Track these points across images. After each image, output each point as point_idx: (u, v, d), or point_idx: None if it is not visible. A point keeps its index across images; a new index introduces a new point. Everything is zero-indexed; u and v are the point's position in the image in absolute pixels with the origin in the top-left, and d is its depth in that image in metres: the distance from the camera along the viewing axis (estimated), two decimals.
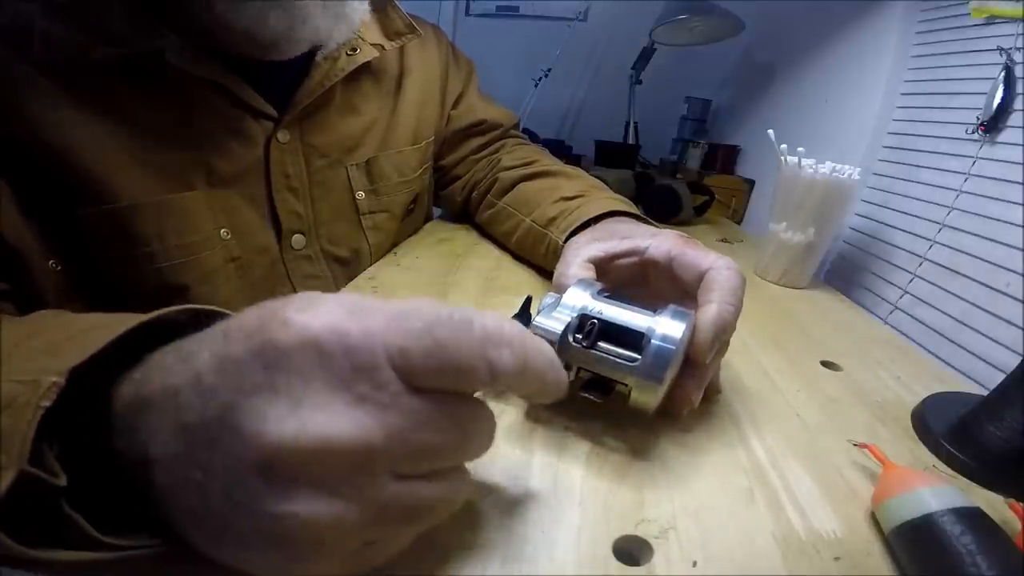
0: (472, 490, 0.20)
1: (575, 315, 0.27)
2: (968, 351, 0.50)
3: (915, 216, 0.61)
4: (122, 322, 0.19)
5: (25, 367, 0.17)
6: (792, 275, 0.58)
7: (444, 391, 0.17)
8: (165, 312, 0.20)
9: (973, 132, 0.55)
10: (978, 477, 0.29)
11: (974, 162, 0.55)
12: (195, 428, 0.15)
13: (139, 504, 0.17)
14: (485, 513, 0.23)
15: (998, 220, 0.51)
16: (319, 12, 0.38)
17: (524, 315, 0.34)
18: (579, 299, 0.28)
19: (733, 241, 0.77)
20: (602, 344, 0.27)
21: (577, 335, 0.27)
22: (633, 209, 0.45)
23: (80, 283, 0.38)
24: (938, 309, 0.55)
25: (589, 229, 0.41)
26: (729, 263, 0.30)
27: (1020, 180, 0.49)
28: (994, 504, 0.27)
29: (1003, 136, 0.53)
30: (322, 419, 0.15)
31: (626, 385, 0.26)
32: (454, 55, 0.64)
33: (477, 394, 0.19)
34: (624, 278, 0.35)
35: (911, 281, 0.60)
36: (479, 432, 0.18)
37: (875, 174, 0.71)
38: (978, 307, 0.50)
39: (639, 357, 0.25)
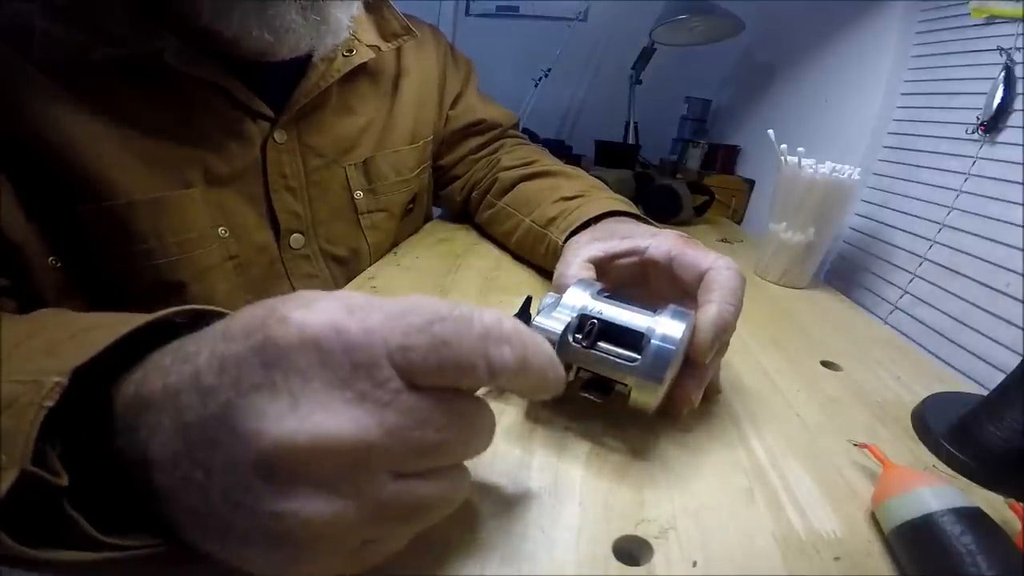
0: (471, 488, 0.20)
1: (575, 315, 0.27)
2: (968, 351, 0.50)
3: (915, 216, 0.61)
4: (124, 322, 0.19)
5: (26, 367, 0.17)
6: (792, 275, 0.58)
7: (444, 388, 0.17)
8: (167, 313, 0.20)
9: (973, 132, 0.55)
10: (978, 477, 0.29)
11: (974, 162, 0.55)
12: (195, 427, 0.15)
13: (139, 504, 0.17)
14: (485, 512, 0.23)
15: (998, 220, 0.51)
16: (300, 22, 0.38)
17: (524, 315, 0.34)
18: (579, 299, 0.28)
19: (733, 241, 0.77)
20: (602, 344, 0.27)
21: (577, 335, 0.27)
22: (633, 209, 0.45)
23: (79, 280, 0.38)
24: (938, 309, 0.55)
25: (589, 229, 0.41)
26: (729, 263, 0.30)
27: (1020, 180, 0.49)
28: (994, 504, 0.27)
29: (1003, 136, 0.53)
30: (321, 418, 0.15)
31: (626, 385, 0.26)
32: (452, 55, 0.64)
33: (479, 392, 0.19)
34: (624, 278, 0.35)
35: (911, 281, 0.60)
36: (479, 430, 0.18)
37: (875, 174, 0.71)
38: (978, 307, 0.50)
39: (639, 357, 0.25)
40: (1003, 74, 0.52)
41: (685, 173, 1.14)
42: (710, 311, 0.28)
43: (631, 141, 1.20)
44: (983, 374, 0.47)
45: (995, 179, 0.52)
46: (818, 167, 0.55)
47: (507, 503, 0.23)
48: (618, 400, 0.27)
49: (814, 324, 0.48)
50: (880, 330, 0.50)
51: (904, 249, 0.62)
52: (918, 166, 0.63)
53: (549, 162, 0.59)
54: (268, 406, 0.15)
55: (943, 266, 0.56)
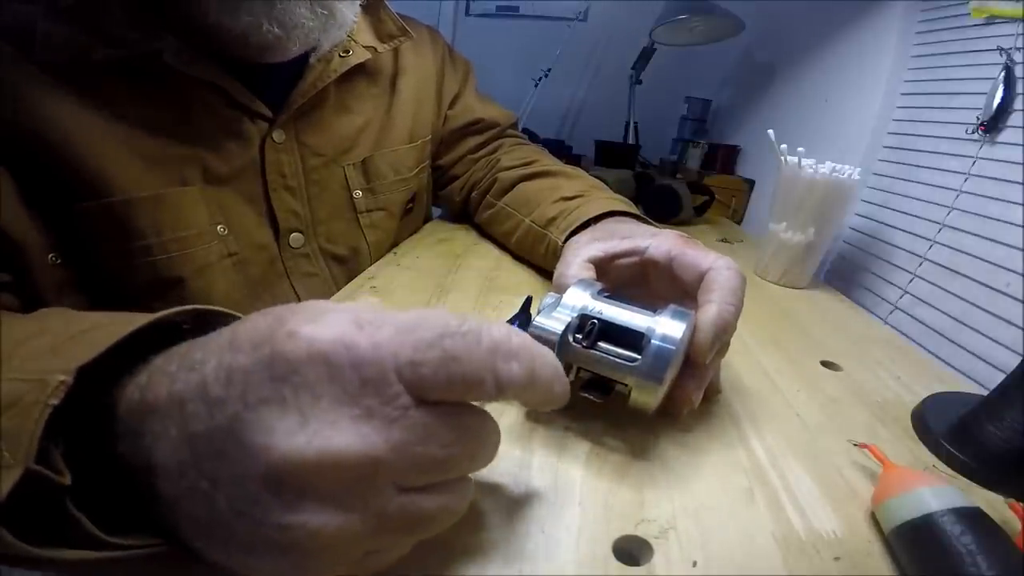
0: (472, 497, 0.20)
1: (575, 315, 0.27)
2: (968, 351, 0.50)
3: (915, 216, 0.61)
4: (127, 321, 0.19)
5: (31, 365, 0.17)
6: (792, 275, 0.58)
7: (451, 402, 0.17)
8: (169, 313, 0.20)
9: (973, 132, 0.55)
10: (978, 477, 0.29)
11: (974, 162, 0.55)
12: (202, 438, 0.15)
13: (141, 505, 0.17)
14: (486, 513, 0.23)
15: (998, 220, 0.51)
16: (309, 16, 0.39)
17: (524, 315, 0.34)
18: (579, 299, 0.28)
19: (733, 241, 0.77)
20: (602, 344, 0.27)
21: (577, 335, 0.27)
22: (633, 209, 0.45)
23: (79, 277, 0.38)
24: (938, 309, 0.55)
25: (589, 229, 0.41)
26: (729, 263, 0.30)
27: (1020, 180, 0.49)
28: (994, 504, 0.27)
29: (1003, 136, 0.53)
30: (329, 434, 0.15)
31: (626, 385, 0.26)
32: (450, 56, 0.64)
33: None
34: (624, 278, 0.35)
35: (911, 281, 0.60)
36: (484, 444, 0.18)
37: (875, 174, 0.70)
38: (978, 307, 0.50)
39: (639, 357, 0.25)
40: (1003, 74, 0.52)
41: (685, 173, 1.14)
42: (710, 311, 0.27)
43: (631, 141, 1.20)
44: (983, 374, 0.47)
45: (995, 179, 0.52)
46: (818, 167, 0.55)
47: (507, 503, 0.23)
48: (618, 400, 0.27)
49: (814, 324, 0.48)
50: (880, 330, 0.50)
51: (904, 249, 0.62)
52: (918, 166, 0.63)
53: (549, 162, 0.59)
54: (277, 421, 0.15)
55: (943, 266, 0.56)
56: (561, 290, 0.30)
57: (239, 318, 0.21)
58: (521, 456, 0.26)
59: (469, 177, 0.64)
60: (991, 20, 0.57)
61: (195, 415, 0.15)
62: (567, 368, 0.28)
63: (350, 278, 0.49)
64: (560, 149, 1.28)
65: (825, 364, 0.40)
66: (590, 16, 1.37)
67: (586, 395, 0.28)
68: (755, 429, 0.31)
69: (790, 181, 0.56)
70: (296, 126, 0.46)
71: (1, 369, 0.18)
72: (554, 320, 0.27)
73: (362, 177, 0.52)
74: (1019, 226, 0.48)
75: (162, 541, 0.17)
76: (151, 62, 0.36)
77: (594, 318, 0.27)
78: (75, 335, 0.20)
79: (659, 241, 0.33)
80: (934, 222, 0.58)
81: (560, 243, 0.43)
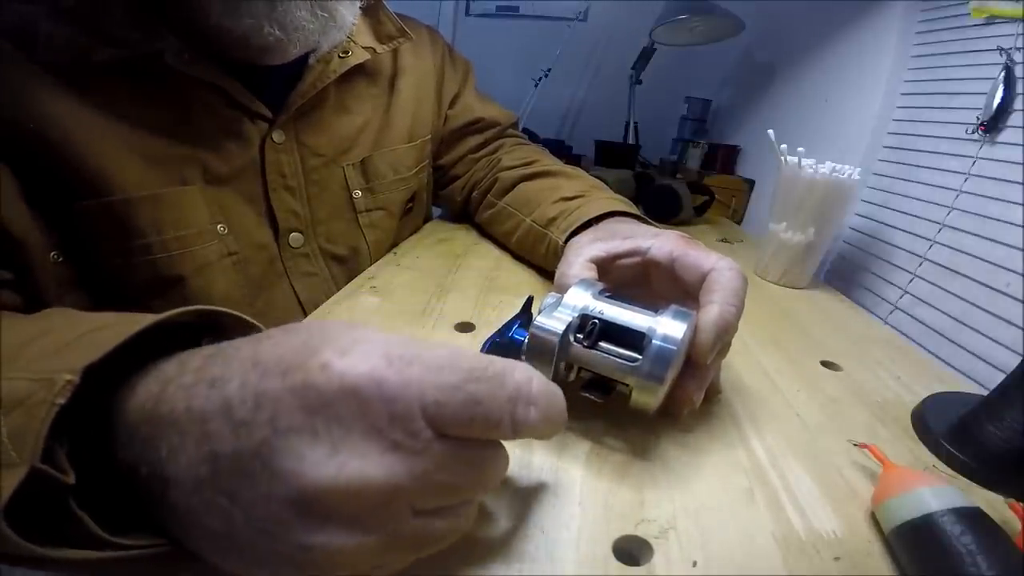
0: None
1: (576, 315, 0.27)
2: (968, 351, 0.50)
3: (915, 216, 0.61)
4: (133, 322, 0.19)
5: (37, 365, 0.18)
6: (792, 275, 0.58)
7: (469, 439, 0.18)
8: (173, 314, 0.20)
9: (973, 132, 0.55)
10: (978, 477, 0.29)
11: (974, 162, 0.55)
12: (226, 458, 0.16)
13: (144, 508, 0.17)
14: (485, 513, 0.23)
15: (998, 220, 0.51)
16: (310, 19, 0.39)
17: (526, 315, 0.34)
18: (580, 299, 0.28)
19: (733, 241, 0.77)
20: (603, 344, 0.27)
21: (578, 335, 0.27)
22: (633, 209, 0.45)
23: (79, 275, 0.38)
24: (938, 309, 0.55)
25: (591, 229, 0.41)
26: (731, 264, 0.30)
27: (1020, 180, 0.49)
28: (994, 504, 0.27)
29: (1003, 136, 0.53)
30: (358, 464, 0.15)
31: (627, 385, 0.26)
32: (450, 56, 0.64)
33: None
34: (625, 278, 0.35)
35: (911, 281, 0.60)
36: (495, 472, 0.19)
37: (875, 174, 0.71)
38: (978, 307, 0.50)
39: (640, 357, 0.25)
40: (1003, 74, 0.52)
41: (685, 173, 1.14)
42: (712, 312, 0.27)
43: (631, 141, 1.20)
44: (983, 374, 0.47)
45: (995, 179, 0.52)
46: (818, 167, 0.55)
47: (508, 503, 0.23)
48: (618, 400, 0.27)
49: (814, 324, 0.48)
50: (880, 330, 0.50)
51: (904, 249, 0.62)
52: (918, 166, 0.63)
53: (549, 162, 0.59)
54: (308, 450, 0.15)
55: (943, 266, 0.56)
56: (563, 290, 0.30)
57: (246, 320, 0.22)
58: (521, 456, 0.26)
59: (470, 177, 0.64)
60: (991, 20, 0.57)
61: (219, 434, 0.16)
62: (568, 368, 0.28)
63: (350, 278, 0.49)
64: (560, 149, 1.28)
65: (825, 364, 0.40)
66: (590, 16, 1.37)
67: (587, 395, 0.28)
68: (755, 429, 0.31)
69: (790, 181, 0.56)
70: (296, 126, 0.46)
71: (5, 369, 0.18)
72: (555, 320, 0.27)
73: (361, 177, 0.53)
74: (1019, 226, 0.48)
75: (164, 542, 0.17)
76: (152, 62, 0.36)
77: (595, 318, 0.27)
78: (81, 335, 0.20)
79: (661, 241, 0.33)
80: (934, 222, 0.58)
81: (561, 243, 0.43)
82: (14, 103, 0.34)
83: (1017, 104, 0.52)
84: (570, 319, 0.27)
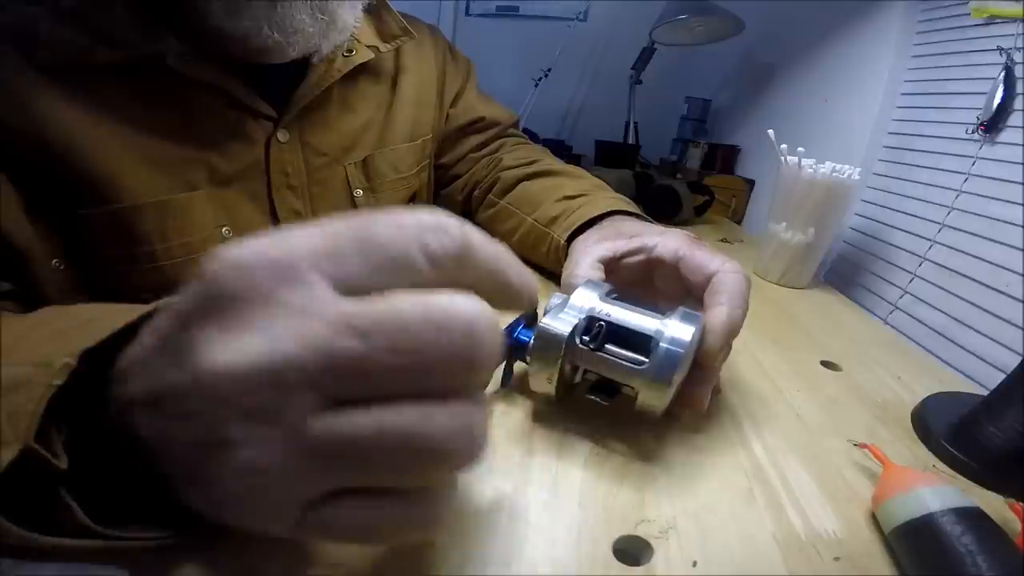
0: (463, 498, 0.19)
1: (582, 317, 0.27)
2: (968, 351, 0.50)
3: (915, 216, 0.61)
4: (130, 311, 0.19)
5: (35, 353, 0.18)
6: (792, 275, 0.58)
7: (388, 298, 0.14)
8: (168, 301, 0.20)
9: (973, 132, 0.55)
10: (978, 477, 0.29)
11: (974, 162, 0.55)
12: (157, 375, 0.16)
13: (135, 483, 0.17)
14: (485, 513, 0.23)
15: (998, 220, 0.51)
16: (310, 22, 0.39)
17: (530, 315, 0.34)
18: (587, 300, 0.28)
19: (733, 241, 0.77)
20: (609, 347, 0.27)
21: (584, 337, 0.27)
22: (635, 209, 0.45)
23: (83, 282, 0.38)
24: (938, 309, 0.55)
25: (595, 228, 0.41)
26: (736, 267, 0.30)
27: (1020, 180, 0.49)
28: (994, 504, 0.27)
29: (1003, 136, 0.53)
30: (247, 341, 0.14)
31: (632, 388, 0.26)
32: (452, 54, 0.64)
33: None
34: (629, 276, 0.35)
35: (911, 281, 0.60)
36: (438, 358, 0.14)
37: (875, 174, 0.71)
38: (978, 307, 0.50)
39: (646, 360, 0.25)
40: (1003, 74, 0.52)
41: (685, 173, 1.14)
42: (721, 314, 0.27)
43: (631, 141, 1.20)
44: (983, 374, 0.47)
45: (995, 179, 0.52)
46: (818, 167, 0.55)
47: (507, 504, 0.23)
48: (619, 401, 0.27)
49: (814, 324, 0.48)
50: (880, 330, 0.50)
51: (904, 249, 0.62)
52: (918, 166, 0.63)
53: (551, 162, 0.59)
54: (206, 342, 0.14)
55: (943, 266, 0.56)
56: (570, 290, 0.30)
57: None
58: (521, 456, 0.26)
59: (471, 176, 0.64)
60: (991, 20, 0.57)
61: (154, 357, 0.16)
62: (573, 370, 0.28)
63: None
64: (560, 149, 1.28)
65: (825, 364, 0.40)
66: (590, 16, 1.37)
67: (592, 397, 0.28)
68: (755, 429, 0.31)
69: (790, 181, 0.56)
70: (300, 125, 0.46)
71: (5, 357, 0.18)
72: (561, 321, 0.27)
73: (363, 176, 0.52)
74: (1019, 226, 0.48)
75: (152, 535, 0.17)
76: (153, 64, 0.36)
77: (602, 320, 0.27)
78: (80, 323, 0.20)
79: (667, 240, 0.33)
80: (934, 222, 0.58)
81: (563, 242, 0.43)
82: (14, 107, 0.33)
83: (1017, 104, 0.52)
84: (576, 321, 0.27)
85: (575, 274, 0.33)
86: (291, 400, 0.14)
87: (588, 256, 0.34)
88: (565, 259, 0.41)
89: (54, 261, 0.36)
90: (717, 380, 0.32)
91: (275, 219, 0.46)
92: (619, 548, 0.22)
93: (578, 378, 0.28)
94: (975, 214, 0.54)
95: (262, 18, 0.36)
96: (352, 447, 0.14)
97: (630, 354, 0.26)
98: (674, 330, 0.26)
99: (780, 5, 1.05)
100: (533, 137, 0.80)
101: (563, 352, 0.26)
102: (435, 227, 0.15)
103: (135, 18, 0.36)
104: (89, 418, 0.18)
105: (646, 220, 0.42)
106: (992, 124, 0.53)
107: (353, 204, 0.52)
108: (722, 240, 0.77)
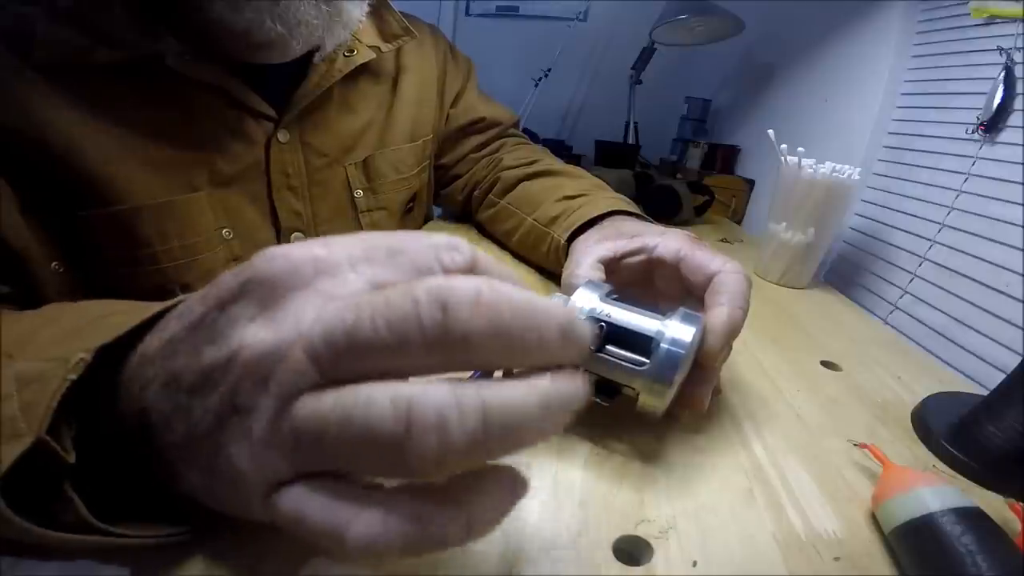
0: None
1: (583, 317, 0.27)
2: (968, 351, 0.50)
3: (915, 216, 0.61)
4: (142, 308, 0.19)
5: (51, 349, 0.18)
6: (792, 275, 0.58)
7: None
8: (183, 300, 0.20)
9: (973, 132, 0.55)
10: (978, 477, 0.29)
11: (974, 162, 0.55)
12: (182, 344, 0.17)
13: (139, 474, 0.18)
14: None
15: (998, 220, 0.51)
16: (314, 15, 0.38)
17: None
18: (587, 301, 0.28)
19: (733, 241, 0.77)
20: (610, 347, 0.27)
21: None
22: (636, 209, 0.45)
23: (82, 284, 0.38)
24: (938, 309, 0.55)
25: (596, 228, 0.41)
26: (737, 267, 0.30)
27: (1020, 180, 0.49)
28: (994, 504, 0.27)
29: (1003, 136, 0.53)
30: (277, 319, 0.15)
31: (633, 389, 0.26)
32: (452, 54, 0.64)
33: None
34: (629, 277, 0.35)
35: (911, 281, 0.60)
36: (439, 309, 0.13)
37: (875, 174, 0.71)
38: (978, 307, 0.50)
39: (647, 361, 0.25)
40: (1003, 74, 0.52)
41: (685, 173, 1.14)
42: (722, 315, 0.27)
43: (631, 141, 1.20)
44: (983, 374, 0.47)
45: (995, 179, 0.52)
46: (818, 167, 0.55)
47: None
48: (620, 402, 0.27)
49: (814, 324, 0.48)
50: (880, 330, 0.50)
51: (904, 249, 0.62)
52: (918, 166, 0.63)
53: (551, 162, 0.59)
54: (248, 322, 0.16)
55: (943, 266, 0.56)
56: (571, 290, 0.30)
57: None
58: (521, 457, 0.26)
59: (471, 176, 0.64)
60: (991, 20, 0.57)
61: (184, 346, 0.17)
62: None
63: None
64: (560, 149, 1.28)
65: (825, 364, 0.40)
66: (590, 16, 1.37)
67: (593, 399, 0.28)
68: (755, 429, 0.31)
69: (790, 181, 0.56)
70: (300, 126, 0.46)
71: (19, 352, 0.18)
72: None
73: (363, 176, 0.52)
74: (1019, 226, 0.48)
75: (153, 534, 0.18)
76: (153, 64, 0.36)
77: (602, 321, 0.27)
78: (90, 320, 0.20)
79: (667, 240, 0.33)
80: (934, 222, 0.58)
81: (563, 242, 0.43)
82: (12, 109, 0.33)
83: (1017, 104, 0.52)
84: None
85: (575, 274, 0.33)
86: (288, 372, 0.15)
87: (588, 256, 0.34)
88: (565, 259, 0.41)
89: (53, 263, 0.36)
90: (717, 380, 0.32)
91: (275, 220, 0.46)
92: (619, 548, 0.22)
93: None
94: (975, 214, 0.54)
95: (265, 10, 0.35)
96: (324, 429, 0.14)
97: (631, 355, 0.26)
98: (675, 331, 0.26)
99: (780, 5, 1.05)
100: (533, 137, 0.80)
101: None
102: (450, 246, 0.17)
103: (134, 18, 0.35)
104: (97, 412, 0.18)
105: (646, 220, 0.42)
106: (992, 124, 0.53)
107: (353, 205, 0.52)
108: (722, 240, 0.77)
